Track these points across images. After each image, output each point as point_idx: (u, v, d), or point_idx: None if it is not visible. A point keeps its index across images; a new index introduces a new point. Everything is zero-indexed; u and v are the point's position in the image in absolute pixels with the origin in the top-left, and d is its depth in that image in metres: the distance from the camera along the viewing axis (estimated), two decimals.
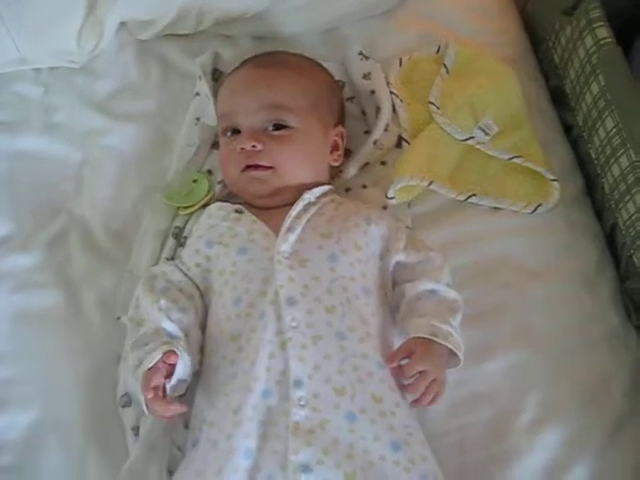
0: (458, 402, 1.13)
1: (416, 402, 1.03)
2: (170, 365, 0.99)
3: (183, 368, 1.01)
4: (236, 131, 1.21)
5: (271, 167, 1.17)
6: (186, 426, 1.08)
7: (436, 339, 1.04)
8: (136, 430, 1.09)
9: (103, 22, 1.39)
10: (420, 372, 1.02)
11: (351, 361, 1.01)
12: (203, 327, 1.12)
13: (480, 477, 1.09)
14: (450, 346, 1.04)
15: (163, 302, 1.07)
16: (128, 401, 1.11)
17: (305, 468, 0.93)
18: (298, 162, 1.19)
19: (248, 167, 1.18)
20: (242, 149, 1.17)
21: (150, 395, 0.96)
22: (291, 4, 1.44)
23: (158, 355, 0.99)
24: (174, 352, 0.99)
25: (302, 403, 0.97)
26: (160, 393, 0.97)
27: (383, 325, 1.11)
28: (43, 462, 1.10)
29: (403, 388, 1.04)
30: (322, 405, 0.97)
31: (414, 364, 1.02)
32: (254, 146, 1.16)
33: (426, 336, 1.04)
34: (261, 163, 1.17)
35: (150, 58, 1.47)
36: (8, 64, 1.42)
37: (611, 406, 1.16)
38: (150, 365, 0.98)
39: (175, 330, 1.04)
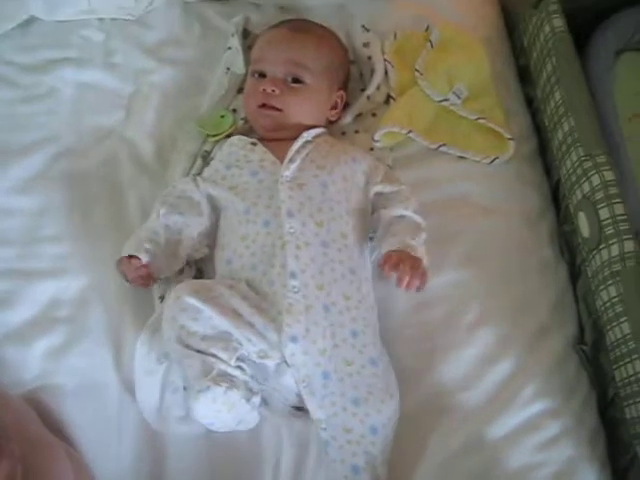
0: (420, 302, 1.30)
1: (407, 285, 1.17)
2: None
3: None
4: (262, 75, 1.37)
5: (280, 110, 1.35)
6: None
7: (406, 250, 1.20)
8: (161, 299, 1.26)
9: None
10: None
11: (330, 265, 1.21)
12: (208, 233, 1.30)
13: (428, 362, 1.26)
14: (417, 255, 1.20)
15: (163, 210, 1.26)
16: None
17: (294, 339, 1.15)
18: (302, 110, 1.36)
19: (263, 105, 1.36)
20: (264, 90, 1.35)
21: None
22: None
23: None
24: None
25: (295, 290, 1.18)
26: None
27: (359, 240, 1.28)
28: (90, 316, 1.27)
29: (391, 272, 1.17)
30: (309, 293, 1.18)
31: (391, 259, 1.18)
32: (273, 90, 1.34)
33: (397, 248, 1.21)
34: (274, 105, 1.35)
35: (192, 16, 1.62)
36: (79, 13, 1.59)
37: (537, 317, 1.31)
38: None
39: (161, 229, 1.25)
